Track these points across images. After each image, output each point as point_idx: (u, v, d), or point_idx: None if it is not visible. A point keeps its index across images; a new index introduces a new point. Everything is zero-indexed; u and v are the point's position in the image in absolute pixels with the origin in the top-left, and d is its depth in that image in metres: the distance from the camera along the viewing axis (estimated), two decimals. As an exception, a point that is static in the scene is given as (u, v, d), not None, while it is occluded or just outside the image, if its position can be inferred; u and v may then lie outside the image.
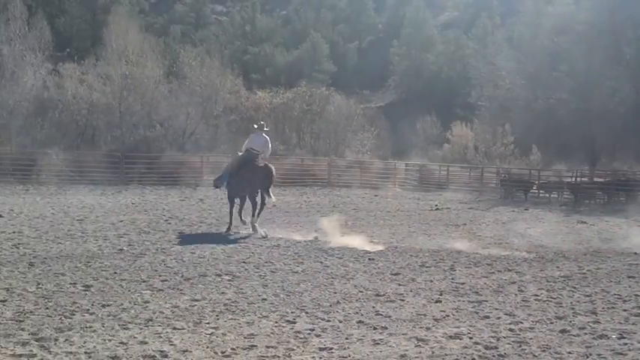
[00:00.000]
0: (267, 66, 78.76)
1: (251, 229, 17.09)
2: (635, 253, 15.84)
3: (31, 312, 8.67)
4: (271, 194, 17.55)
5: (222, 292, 10.21)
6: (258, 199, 17.61)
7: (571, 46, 40.20)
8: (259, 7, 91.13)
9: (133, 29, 44.34)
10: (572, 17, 41.09)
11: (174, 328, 8.16)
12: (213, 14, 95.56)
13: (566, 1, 44.15)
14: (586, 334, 8.56)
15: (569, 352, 7.74)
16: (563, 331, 8.62)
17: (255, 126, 18.80)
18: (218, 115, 44.26)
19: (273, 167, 18.04)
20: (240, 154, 18.17)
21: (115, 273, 11.41)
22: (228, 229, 17.52)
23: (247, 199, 17.54)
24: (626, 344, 8.11)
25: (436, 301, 10.12)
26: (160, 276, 11.28)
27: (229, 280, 11.14)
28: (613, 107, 38.62)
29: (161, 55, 47.26)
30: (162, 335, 7.87)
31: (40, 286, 10.24)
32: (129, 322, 8.35)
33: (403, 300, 10.14)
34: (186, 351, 7.33)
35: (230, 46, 80.00)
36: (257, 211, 17.49)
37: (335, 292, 10.49)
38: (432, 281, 11.70)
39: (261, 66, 78.18)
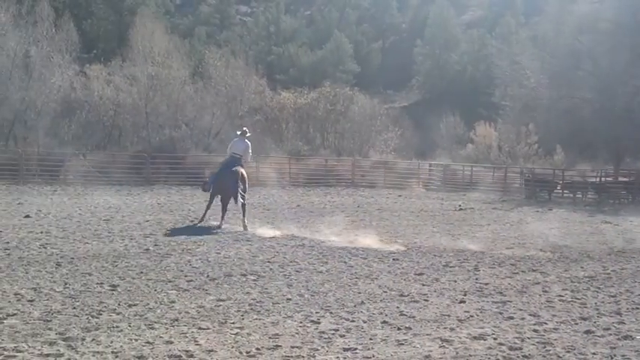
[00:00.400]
0: (292, 66, 78.90)
1: (242, 228, 17.84)
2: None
3: (58, 312, 8.74)
4: (240, 199, 18.04)
5: (247, 292, 10.25)
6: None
7: (595, 45, 39.83)
8: (284, 7, 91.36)
9: (158, 30, 44.65)
10: (597, 16, 40.73)
11: (200, 328, 8.20)
12: (238, 15, 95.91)
13: (591, 0, 43.80)
14: (610, 334, 8.51)
15: (594, 353, 7.71)
16: (587, 332, 8.58)
17: (239, 132, 19.97)
18: (243, 116, 44.32)
19: (244, 172, 18.61)
20: (224, 158, 19.52)
21: (142, 273, 11.49)
22: (200, 221, 18.84)
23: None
24: (650, 345, 8.05)
25: (460, 302, 10.10)
26: (185, 276, 11.33)
27: (254, 280, 11.18)
28: (637, 106, 38.19)
29: (186, 55, 47.69)
30: (187, 335, 7.91)
31: (68, 285, 10.33)
32: (155, 322, 8.40)
33: (427, 300, 10.13)
34: (212, 351, 7.36)
35: (254, 46, 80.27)
36: (242, 210, 18.31)
37: (359, 293, 10.49)
38: (455, 281, 11.68)
39: (285, 66, 78.35)
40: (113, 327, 8.13)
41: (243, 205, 18.19)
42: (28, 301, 9.25)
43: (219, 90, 43.81)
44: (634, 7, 38.08)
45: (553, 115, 42.19)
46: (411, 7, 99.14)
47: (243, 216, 18.18)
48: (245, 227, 17.80)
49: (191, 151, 39.71)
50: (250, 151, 19.57)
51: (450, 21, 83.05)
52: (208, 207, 18.97)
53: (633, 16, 37.63)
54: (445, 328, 8.62)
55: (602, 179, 36.33)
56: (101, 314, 8.73)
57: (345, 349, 7.57)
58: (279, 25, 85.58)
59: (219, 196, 18.55)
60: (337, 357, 7.33)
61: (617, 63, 37.99)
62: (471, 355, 7.51)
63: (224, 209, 18.37)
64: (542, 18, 51.93)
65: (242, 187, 18.10)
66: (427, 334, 8.28)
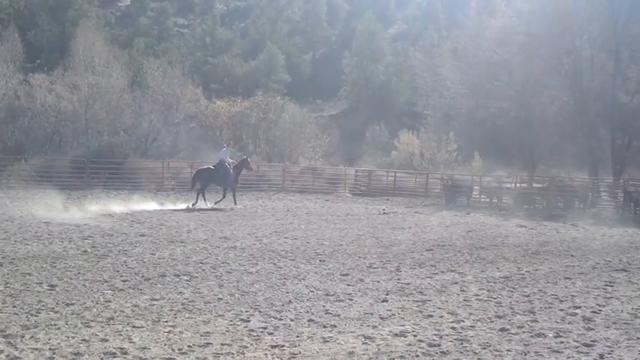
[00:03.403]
0: (226, 76, 78.45)
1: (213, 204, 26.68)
2: (572, 256, 16.12)
3: (-2, 310, 8.61)
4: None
5: (180, 292, 10.23)
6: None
7: (511, 57, 40.52)
8: (219, 19, 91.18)
9: (99, 41, 44.84)
10: (513, 29, 41.45)
11: (134, 326, 8.19)
12: (176, 27, 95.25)
13: (508, 14, 44.63)
14: (524, 332, 8.70)
15: (508, 350, 7.88)
16: (502, 330, 8.76)
17: (224, 146, 30.48)
18: (179, 123, 44.18)
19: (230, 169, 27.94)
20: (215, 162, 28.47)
21: (79, 273, 11.42)
22: (193, 204, 26.23)
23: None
24: (562, 342, 8.27)
25: (383, 301, 10.22)
26: (121, 276, 11.28)
27: (187, 281, 11.16)
28: (551, 115, 38.97)
29: (126, 65, 47.66)
30: (122, 333, 7.91)
31: (8, 285, 10.26)
32: (91, 321, 8.39)
33: (351, 299, 10.23)
34: (145, 348, 7.37)
35: (191, 57, 79.96)
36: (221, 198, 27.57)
37: (287, 292, 10.55)
38: (379, 282, 11.80)
39: (220, 76, 77.90)
40: (51, 325, 8.11)
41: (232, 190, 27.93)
42: (-31, 300, 9.08)
43: (156, 98, 43.56)
44: (547, 21, 38.91)
45: (471, 124, 42.87)
46: (340, 21, 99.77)
47: (233, 197, 27.88)
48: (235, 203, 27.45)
49: (129, 157, 39.23)
50: (227, 156, 28.99)
51: (377, 34, 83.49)
52: (197, 196, 26.83)
53: (547, 29, 38.47)
54: (368, 325, 8.72)
55: (518, 185, 36.96)
56: (40, 313, 8.69)
57: (272, 346, 7.63)
58: (214, 36, 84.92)
59: (201, 184, 27.22)
60: (265, 354, 7.37)
61: (532, 74, 38.73)
62: (391, 352, 7.61)
63: (200, 194, 26.86)
64: (462, 32, 52.73)
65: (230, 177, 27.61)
66: (351, 332, 8.36)
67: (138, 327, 8.19)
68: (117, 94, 42.49)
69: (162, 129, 43.05)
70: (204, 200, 26.77)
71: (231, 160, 28.94)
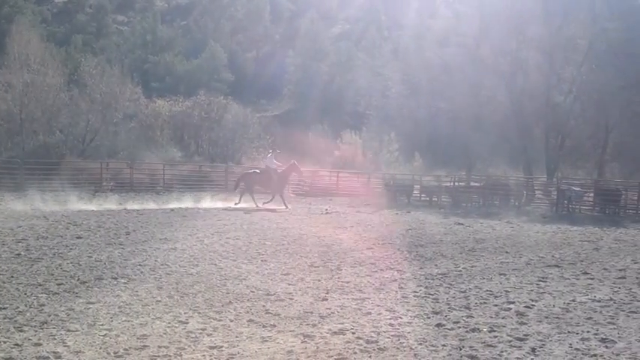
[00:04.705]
0: (167, 75, 77.50)
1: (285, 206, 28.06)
2: (507, 252, 16.42)
3: None
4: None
5: (117, 295, 10.06)
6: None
7: (451, 58, 41.15)
8: (160, 17, 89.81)
9: (34, 38, 43.64)
10: (453, 30, 42.11)
11: (69, 330, 8.05)
12: (115, 24, 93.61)
13: (447, 15, 45.26)
14: (460, 327, 8.82)
15: (444, 345, 7.98)
16: (438, 325, 8.87)
17: (271, 150, 32.39)
18: (118, 123, 43.53)
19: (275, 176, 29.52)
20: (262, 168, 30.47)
21: (12, 277, 11.13)
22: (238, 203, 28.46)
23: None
24: (496, 337, 8.40)
25: (323, 299, 10.25)
26: (56, 280, 11.03)
27: (125, 283, 10.98)
28: (488, 115, 39.68)
29: (62, 63, 46.38)
30: (56, 337, 7.76)
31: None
32: (24, 325, 8.22)
33: (292, 299, 10.24)
34: (80, 352, 7.25)
35: (131, 55, 78.53)
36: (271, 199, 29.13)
37: (227, 293, 10.49)
38: (319, 280, 11.83)
39: (161, 75, 76.90)
40: (-18, 329, 7.88)
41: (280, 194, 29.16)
42: None
43: (94, 97, 42.85)
44: (485, 23, 39.57)
45: (412, 124, 43.37)
46: (283, 20, 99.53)
47: (282, 200, 28.87)
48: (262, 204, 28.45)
49: (65, 157, 38.47)
50: (274, 162, 29.88)
51: (320, 34, 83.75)
52: (242, 194, 29.02)
53: (484, 31, 39.14)
54: (308, 324, 8.74)
55: (456, 184, 37.49)
56: (-29, 317, 8.44)
57: (211, 347, 7.58)
58: (155, 34, 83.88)
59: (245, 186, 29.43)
60: (203, 355, 7.32)
61: (470, 75, 39.38)
62: (330, 349, 7.64)
63: (244, 195, 28.87)
64: (403, 32, 53.30)
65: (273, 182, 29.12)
66: (291, 331, 8.38)
67: (72, 331, 8.04)
68: (53, 92, 41.50)
69: (101, 129, 42.43)
70: (254, 201, 28.61)
71: (278, 164, 30.13)
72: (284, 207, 28.29)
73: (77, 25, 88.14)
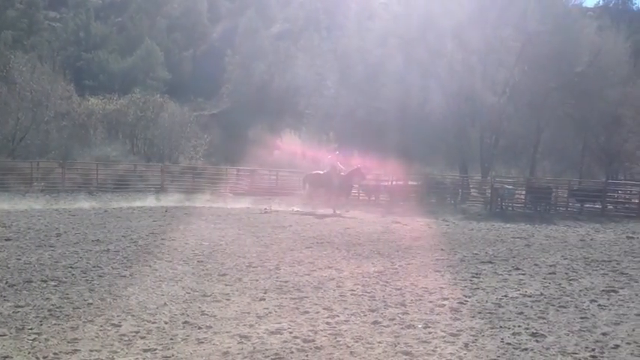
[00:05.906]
0: (101, 72, 76.32)
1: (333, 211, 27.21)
2: (442, 249, 16.65)
3: None
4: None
5: (47, 298, 9.86)
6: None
7: (388, 59, 41.53)
8: (94, 13, 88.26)
9: (-39, 34, 42.25)
10: (391, 32, 42.51)
11: (-4, 335, 7.84)
12: (47, 20, 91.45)
13: (385, 17, 45.64)
14: (395, 324, 8.92)
15: (380, 342, 8.06)
16: (375, 323, 8.96)
17: (330, 155, 32.37)
18: (49, 121, 42.64)
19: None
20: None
21: (-63, 282, 10.78)
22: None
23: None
24: (430, 333, 8.53)
25: (260, 299, 10.24)
26: (-17, 283, 10.73)
27: (55, 286, 10.75)
28: (425, 116, 40.21)
29: (-9, 60, 45.17)
30: (-17, 342, 7.54)
31: None
32: (-51, 330, 7.97)
33: (229, 299, 10.19)
34: (7, 357, 7.09)
35: (63, 52, 77.04)
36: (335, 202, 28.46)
37: (162, 295, 10.36)
38: (257, 280, 11.81)
39: (95, 72, 75.67)
40: None
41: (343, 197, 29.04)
42: None
43: (24, 95, 41.98)
44: (421, 25, 40.07)
45: (351, 124, 43.60)
46: (221, 18, 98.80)
47: (342, 203, 28.53)
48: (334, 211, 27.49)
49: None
50: (336, 164, 29.72)
51: (259, 32, 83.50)
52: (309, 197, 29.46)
53: (421, 33, 39.63)
54: (245, 325, 8.72)
55: (394, 183, 37.81)
56: None
57: (144, 350, 7.49)
58: (89, 31, 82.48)
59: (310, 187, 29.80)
60: (137, 358, 7.24)
61: (408, 76, 39.84)
62: (267, 349, 7.64)
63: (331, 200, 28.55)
64: (342, 33, 53.51)
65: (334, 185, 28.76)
66: (227, 332, 8.34)
67: (0, 335, 7.87)
68: (-20, 90, 40.39)
69: (31, 127, 41.55)
70: (312, 203, 28.80)
71: (342, 167, 29.90)
72: (332, 210, 27.70)
73: (7, 20, 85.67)
